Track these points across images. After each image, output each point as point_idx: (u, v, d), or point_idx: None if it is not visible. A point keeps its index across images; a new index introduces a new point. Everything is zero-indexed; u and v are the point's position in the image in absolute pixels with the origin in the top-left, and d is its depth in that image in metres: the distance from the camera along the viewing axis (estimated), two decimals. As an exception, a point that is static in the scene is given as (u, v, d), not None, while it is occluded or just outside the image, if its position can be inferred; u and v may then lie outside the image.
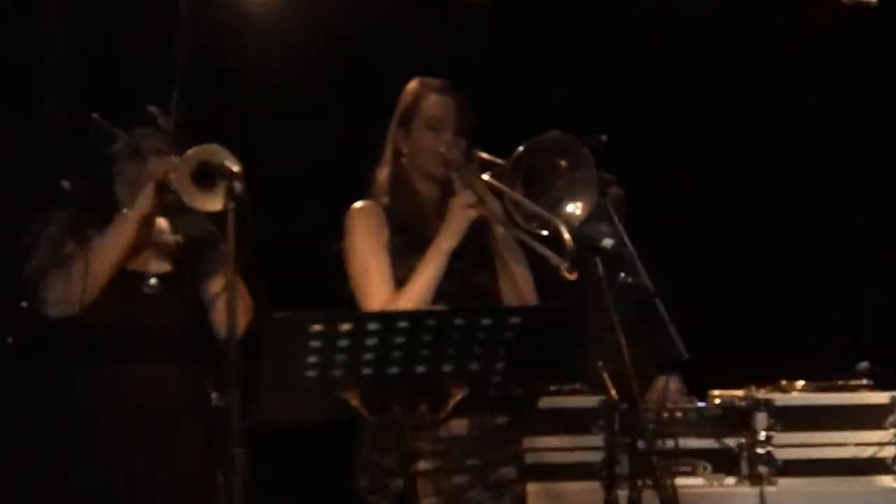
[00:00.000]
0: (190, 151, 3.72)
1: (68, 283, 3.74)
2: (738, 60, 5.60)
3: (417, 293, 3.55)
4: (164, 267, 3.93)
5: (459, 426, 3.51)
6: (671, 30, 5.55)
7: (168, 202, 3.79)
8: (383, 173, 3.76)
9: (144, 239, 3.88)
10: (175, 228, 3.92)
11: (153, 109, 3.91)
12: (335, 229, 3.71)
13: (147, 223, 3.84)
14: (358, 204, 3.73)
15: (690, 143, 5.50)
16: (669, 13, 5.48)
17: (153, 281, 3.89)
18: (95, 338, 3.76)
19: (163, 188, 3.77)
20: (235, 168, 3.62)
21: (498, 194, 3.59)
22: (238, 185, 3.56)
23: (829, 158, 5.55)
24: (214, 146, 3.70)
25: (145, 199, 3.79)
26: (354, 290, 3.65)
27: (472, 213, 3.57)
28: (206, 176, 3.69)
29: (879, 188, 5.56)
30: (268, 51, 5.33)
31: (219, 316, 3.82)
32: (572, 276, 3.33)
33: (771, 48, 5.60)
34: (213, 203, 3.67)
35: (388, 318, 3.04)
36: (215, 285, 3.87)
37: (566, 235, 3.36)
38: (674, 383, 4.44)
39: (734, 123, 5.62)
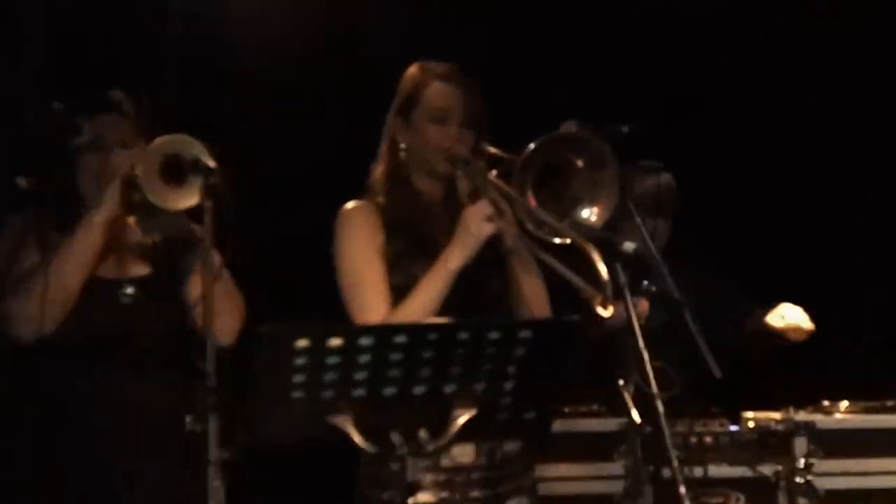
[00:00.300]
0: (156, 142, 3.57)
1: (35, 301, 3.58)
2: (737, 60, 5.75)
3: (417, 312, 3.41)
4: (141, 271, 3.80)
5: (464, 454, 3.41)
6: (671, 29, 5.68)
7: (136, 198, 3.63)
8: (379, 169, 3.63)
9: (116, 241, 3.74)
10: (146, 229, 3.77)
11: (117, 94, 3.76)
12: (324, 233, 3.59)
13: (117, 224, 3.69)
14: (349, 205, 3.58)
15: (690, 142, 5.54)
16: (670, 13, 5.62)
17: (130, 288, 3.75)
18: (67, 354, 3.63)
19: (131, 184, 3.62)
20: (210, 163, 3.47)
21: (507, 197, 3.44)
22: (215, 181, 3.40)
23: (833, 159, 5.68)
24: (184, 137, 3.55)
25: (112, 198, 3.64)
26: (346, 304, 3.52)
27: (489, 229, 3.40)
28: (176, 170, 3.54)
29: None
30: (259, 39, 5.34)
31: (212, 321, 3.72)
32: (607, 313, 3.18)
33: (771, 48, 5.74)
34: (184, 200, 3.53)
35: (383, 333, 2.91)
36: (199, 288, 3.71)
37: (600, 266, 3.17)
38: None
39: (734, 124, 5.75)
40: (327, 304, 3.45)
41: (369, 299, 3.46)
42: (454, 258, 3.42)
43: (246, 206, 3.40)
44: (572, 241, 3.29)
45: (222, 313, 3.55)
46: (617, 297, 3.19)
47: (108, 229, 3.66)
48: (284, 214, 5.05)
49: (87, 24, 5.06)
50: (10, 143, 4.15)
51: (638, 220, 3.71)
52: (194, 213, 3.59)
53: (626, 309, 3.23)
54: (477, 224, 3.40)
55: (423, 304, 3.41)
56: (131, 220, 3.75)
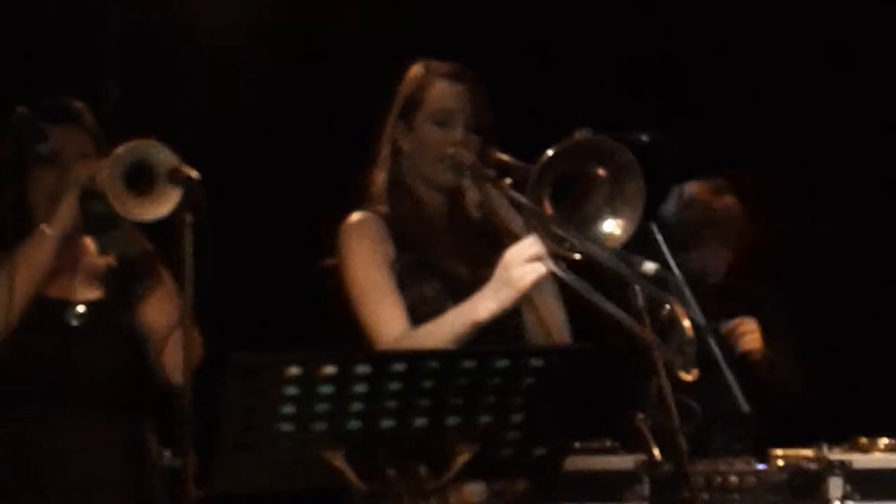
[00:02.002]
0: (122, 148, 3.55)
1: None
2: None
3: (438, 341, 3.36)
4: (92, 293, 3.79)
5: (468, 493, 3.41)
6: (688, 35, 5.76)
7: (94, 212, 3.62)
8: (380, 176, 3.61)
9: (67, 261, 3.74)
10: (103, 247, 3.76)
11: (78, 104, 3.76)
12: (311, 246, 3.59)
13: (70, 241, 3.69)
14: (355, 216, 3.57)
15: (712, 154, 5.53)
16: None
17: (80, 309, 3.75)
18: (9, 380, 3.62)
19: (87, 197, 3.61)
20: (191, 172, 3.46)
21: (520, 208, 3.41)
22: (196, 193, 3.41)
23: None
24: (152, 142, 3.54)
25: (67, 212, 3.63)
26: (361, 320, 3.50)
27: (535, 274, 3.29)
28: (143, 178, 3.52)
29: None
30: (231, 26, 5.41)
31: (165, 355, 3.69)
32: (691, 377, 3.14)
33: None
34: (150, 211, 3.52)
35: (381, 361, 2.91)
36: (157, 317, 3.74)
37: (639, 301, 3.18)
38: None
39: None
40: (300, 341, 3.30)
41: (388, 316, 3.44)
42: (484, 309, 3.33)
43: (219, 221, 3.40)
44: (593, 259, 3.25)
45: (178, 348, 3.49)
46: (637, 321, 3.22)
47: (61, 246, 3.65)
48: (242, 228, 5.02)
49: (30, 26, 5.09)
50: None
51: (659, 238, 3.71)
52: (153, 232, 3.60)
53: (646, 335, 3.24)
54: (520, 269, 3.28)
55: (443, 338, 3.35)
56: (87, 239, 3.75)
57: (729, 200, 4.96)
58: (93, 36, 4.00)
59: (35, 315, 3.67)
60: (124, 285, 3.80)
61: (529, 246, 3.29)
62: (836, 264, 5.79)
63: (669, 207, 4.95)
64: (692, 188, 5.01)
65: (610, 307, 3.26)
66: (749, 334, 4.69)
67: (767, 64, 5.86)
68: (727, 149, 5.60)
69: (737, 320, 4.70)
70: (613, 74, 5.73)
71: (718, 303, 4.76)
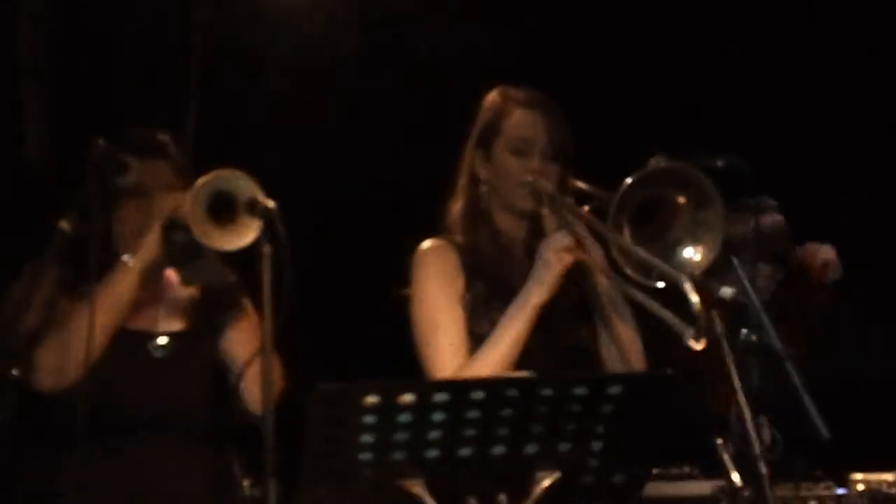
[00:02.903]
0: (203, 179, 3.56)
1: (65, 349, 3.58)
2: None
3: (496, 360, 3.39)
4: (175, 325, 3.80)
5: None
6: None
7: (178, 243, 3.64)
8: (457, 206, 3.62)
9: (150, 294, 3.75)
10: (187, 278, 3.77)
11: (162, 136, 3.78)
12: (392, 274, 3.58)
13: (153, 273, 3.71)
14: (426, 244, 3.58)
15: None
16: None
17: (162, 340, 3.76)
18: (94, 411, 3.56)
19: (171, 229, 3.63)
20: (269, 203, 3.47)
21: (599, 236, 3.42)
22: (274, 222, 3.40)
23: None
24: (234, 172, 3.55)
25: (151, 244, 3.65)
26: (419, 354, 3.51)
27: (567, 260, 3.40)
28: (225, 208, 3.54)
29: None
30: (306, 55, 5.43)
31: (247, 385, 3.67)
32: (699, 346, 3.15)
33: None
34: (233, 241, 3.53)
35: (459, 389, 2.92)
36: (239, 347, 3.74)
37: (693, 296, 3.10)
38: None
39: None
40: (381, 371, 3.34)
41: (445, 349, 3.45)
42: (532, 294, 3.40)
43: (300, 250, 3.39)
44: (669, 281, 3.24)
45: (258, 379, 3.44)
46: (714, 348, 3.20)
47: (146, 277, 3.66)
48: (325, 256, 5.04)
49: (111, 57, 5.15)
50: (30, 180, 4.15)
51: (736, 263, 3.67)
52: (237, 263, 3.61)
53: (724, 363, 3.24)
54: (555, 254, 3.39)
55: (502, 350, 3.39)
56: (170, 271, 3.75)
57: (773, 217, 4.89)
58: (174, 66, 4.01)
59: (119, 347, 3.67)
60: (207, 316, 3.81)
61: (562, 238, 3.41)
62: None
63: None
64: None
65: (658, 308, 3.29)
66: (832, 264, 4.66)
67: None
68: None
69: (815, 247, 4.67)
70: (687, 100, 5.72)
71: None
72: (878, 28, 5.80)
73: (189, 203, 3.55)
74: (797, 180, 5.53)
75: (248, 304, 3.78)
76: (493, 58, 5.33)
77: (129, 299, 3.67)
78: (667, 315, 3.27)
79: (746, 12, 5.86)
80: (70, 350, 3.58)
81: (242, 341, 3.74)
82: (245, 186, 3.53)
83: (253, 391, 3.62)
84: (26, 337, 3.63)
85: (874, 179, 5.80)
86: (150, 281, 3.72)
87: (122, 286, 3.66)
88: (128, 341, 3.71)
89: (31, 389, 3.62)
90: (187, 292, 3.81)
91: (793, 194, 5.25)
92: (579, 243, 3.41)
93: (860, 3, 5.80)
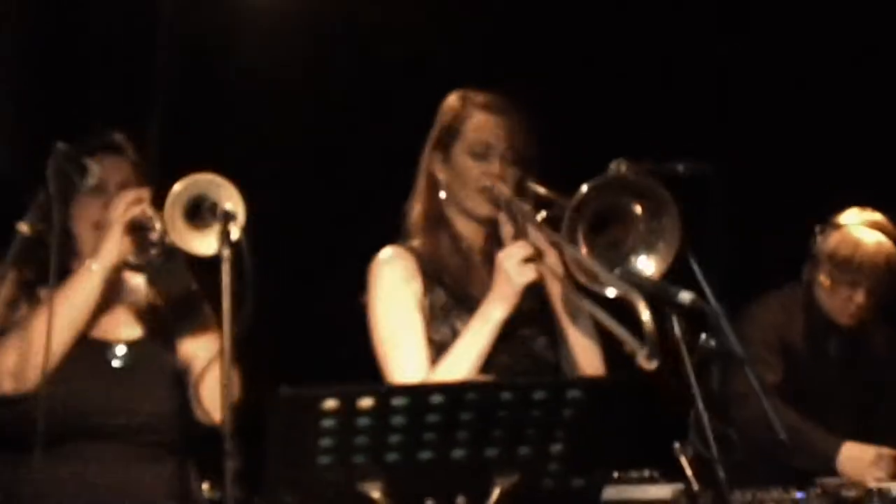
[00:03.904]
0: (182, 184, 3.51)
1: (25, 354, 3.55)
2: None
3: (459, 369, 3.38)
4: (134, 333, 3.78)
5: None
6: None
7: (151, 242, 3.61)
8: (416, 209, 3.60)
9: (109, 298, 3.73)
10: (152, 278, 3.76)
11: (119, 136, 3.77)
12: (354, 280, 3.57)
13: (115, 275, 3.68)
14: (384, 252, 3.56)
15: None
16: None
17: (121, 350, 3.73)
18: (54, 419, 3.54)
19: (135, 229, 3.61)
20: (235, 207, 3.44)
21: (555, 244, 3.41)
22: (235, 229, 3.39)
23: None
24: (211, 177, 3.51)
25: (112, 246, 3.62)
26: (381, 362, 3.49)
27: (530, 273, 3.38)
28: (199, 213, 3.50)
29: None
30: (274, 55, 5.40)
31: (204, 392, 3.65)
32: (651, 366, 3.13)
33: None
34: (206, 246, 3.48)
35: (419, 393, 2.93)
36: (198, 354, 3.71)
37: (645, 316, 3.10)
38: None
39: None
40: (343, 376, 3.33)
41: (407, 358, 3.43)
42: (496, 309, 3.38)
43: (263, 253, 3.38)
44: (622, 294, 3.22)
45: (215, 387, 3.45)
46: (673, 351, 3.21)
47: (107, 280, 3.64)
48: (285, 262, 5.02)
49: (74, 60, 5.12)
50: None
51: (696, 268, 3.67)
52: (199, 274, 3.59)
53: (683, 365, 3.25)
54: (515, 268, 3.35)
55: (464, 361, 3.38)
56: (129, 275, 3.73)
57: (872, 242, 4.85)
58: (140, 66, 4.00)
59: (79, 355, 3.65)
60: (167, 323, 3.79)
61: (520, 249, 3.37)
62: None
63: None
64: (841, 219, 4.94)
65: (613, 324, 3.27)
66: None
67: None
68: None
69: None
70: (662, 103, 5.72)
71: (843, 345, 4.80)
72: (843, 31, 5.81)
73: (168, 205, 3.50)
74: (765, 186, 5.55)
75: (208, 311, 3.76)
76: (458, 61, 5.32)
77: (93, 303, 3.64)
78: (620, 331, 3.26)
79: (717, 16, 5.87)
80: (31, 354, 3.55)
81: (201, 348, 3.72)
82: (218, 191, 3.48)
83: (209, 398, 3.61)
84: None
85: (843, 184, 5.79)
86: (111, 284, 3.70)
87: (85, 289, 3.63)
88: (88, 350, 3.68)
89: None
90: (147, 297, 3.80)
91: (760, 200, 5.28)
92: (539, 252, 3.39)
93: (832, 4, 5.80)
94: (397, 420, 2.88)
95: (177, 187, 3.51)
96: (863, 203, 4.95)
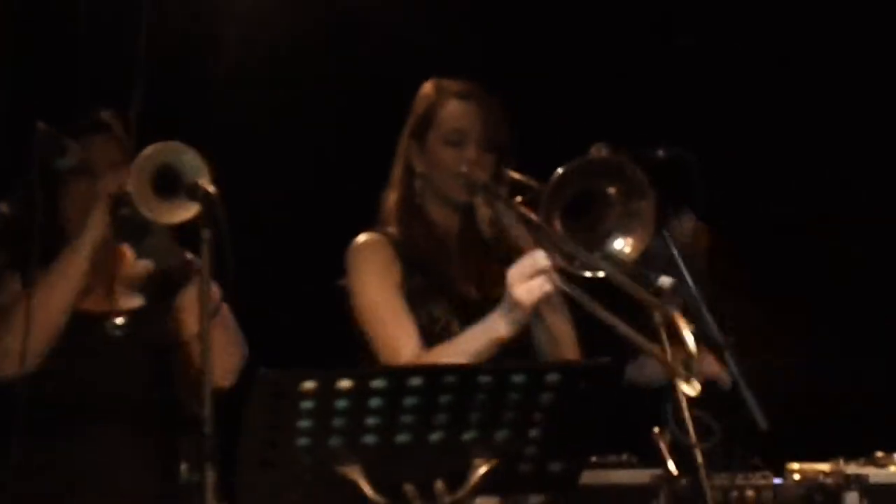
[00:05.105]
0: (147, 151, 3.47)
1: (13, 336, 3.55)
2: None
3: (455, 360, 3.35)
4: (132, 303, 3.79)
5: None
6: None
7: (125, 217, 3.58)
8: (392, 197, 3.61)
9: (104, 272, 3.72)
10: (140, 252, 3.73)
11: (105, 114, 3.76)
12: (333, 264, 3.57)
13: (105, 251, 3.67)
14: (362, 237, 3.57)
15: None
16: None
17: (120, 320, 3.74)
18: (54, 394, 3.60)
19: (117, 204, 3.58)
20: (210, 188, 3.38)
21: (532, 227, 3.39)
22: (215, 208, 3.32)
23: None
24: (177, 144, 3.46)
25: (97, 221, 3.61)
26: (373, 342, 3.49)
27: (547, 288, 3.26)
28: (168, 182, 3.45)
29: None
30: (255, 40, 5.39)
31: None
32: (694, 392, 3.11)
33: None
34: (180, 213, 3.43)
35: (397, 375, 2.92)
36: (193, 321, 3.67)
37: (689, 340, 3.08)
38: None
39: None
40: (329, 346, 3.42)
41: (399, 335, 3.43)
42: (500, 327, 3.32)
43: (241, 235, 3.34)
44: (606, 276, 3.22)
45: (221, 351, 3.50)
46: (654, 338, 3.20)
47: (95, 255, 3.62)
48: (273, 245, 5.06)
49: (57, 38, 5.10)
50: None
51: (676, 254, 3.67)
52: (189, 243, 3.55)
53: (662, 352, 3.23)
54: (525, 287, 3.25)
55: (456, 358, 3.33)
56: (124, 247, 3.72)
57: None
58: (121, 46, 4.00)
59: (75, 329, 3.65)
60: (163, 294, 3.79)
61: (533, 262, 3.27)
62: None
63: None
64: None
65: (616, 321, 3.24)
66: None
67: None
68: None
69: None
70: (638, 90, 5.73)
71: None
72: (824, 20, 5.84)
73: (132, 176, 3.46)
74: (745, 171, 5.57)
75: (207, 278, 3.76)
76: (438, 50, 5.32)
77: (81, 277, 3.63)
78: (626, 329, 3.22)
79: (696, 3, 5.87)
80: (27, 335, 3.54)
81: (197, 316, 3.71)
82: (189, 160, 3.44)
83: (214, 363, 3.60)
84: None
85: (822, 171, 5.83)
86: (103, 259, 3.69)
87: (72, 267, 3.62)
88: (84, 323, 3.69)
89: None
90: (142, 269, 3.78)
91: (740, 184, 5.30)
92: (555, 264, 3.30)
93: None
94: (375, 402, 2.88)
95: (142, 155, 3.47)
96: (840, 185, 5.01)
